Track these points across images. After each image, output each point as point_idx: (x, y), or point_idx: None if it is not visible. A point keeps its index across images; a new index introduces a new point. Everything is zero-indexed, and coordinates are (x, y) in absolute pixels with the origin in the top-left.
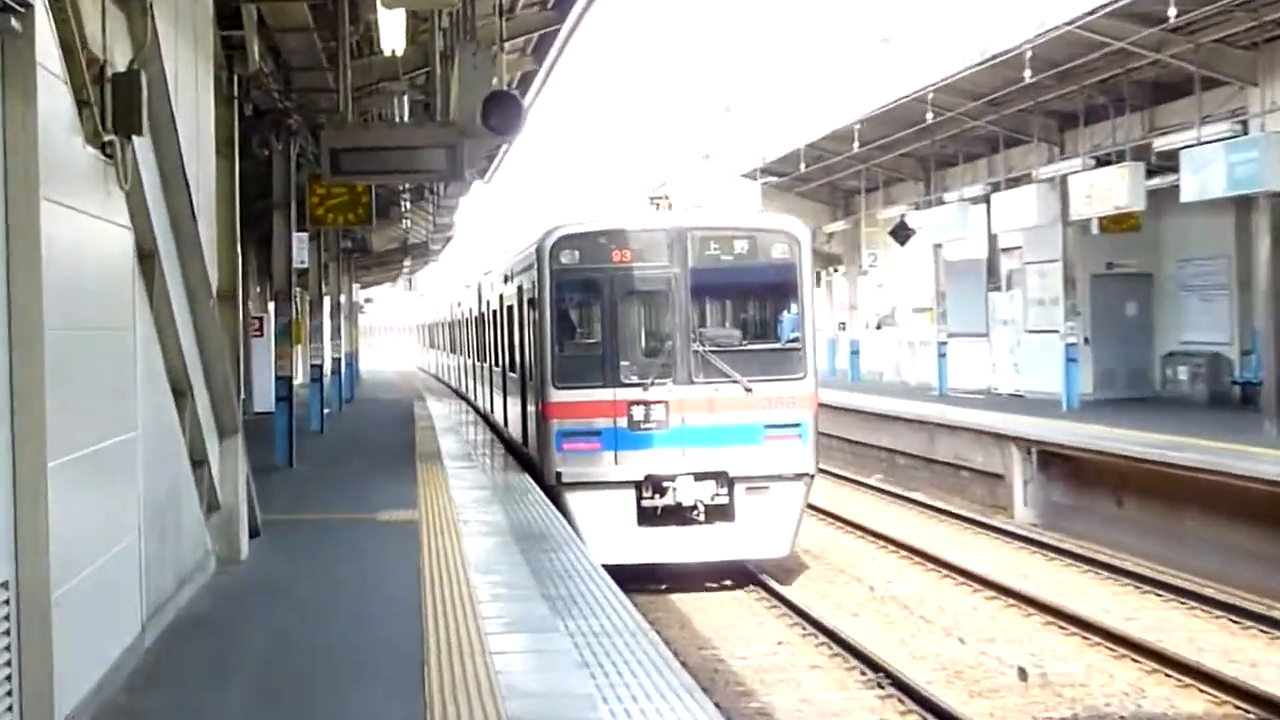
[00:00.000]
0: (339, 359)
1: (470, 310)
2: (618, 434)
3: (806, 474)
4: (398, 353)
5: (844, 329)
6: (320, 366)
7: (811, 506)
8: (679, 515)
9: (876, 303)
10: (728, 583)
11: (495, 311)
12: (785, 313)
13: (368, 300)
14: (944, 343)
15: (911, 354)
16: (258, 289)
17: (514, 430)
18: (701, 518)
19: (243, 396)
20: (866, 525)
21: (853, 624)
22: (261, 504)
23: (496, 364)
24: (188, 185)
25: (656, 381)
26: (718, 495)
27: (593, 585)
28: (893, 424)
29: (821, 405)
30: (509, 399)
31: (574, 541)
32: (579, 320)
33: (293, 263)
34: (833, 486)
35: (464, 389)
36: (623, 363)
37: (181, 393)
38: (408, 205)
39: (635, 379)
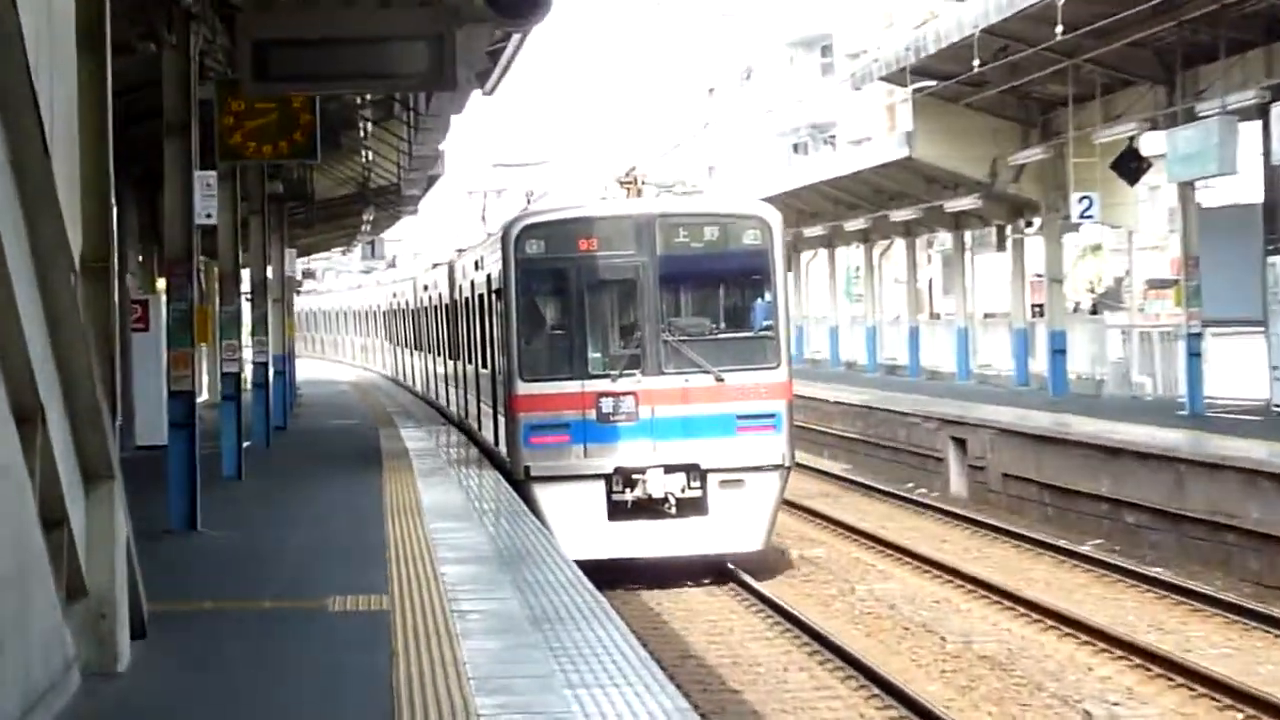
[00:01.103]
0: (265, 364)
1: (440, 296)
2: (586, 426)
3: (782, 465)
4: (355, 351)
5: (1040, 315)
6: (238, 376)
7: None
8: (650, 509)
9: (1091, 273)
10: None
11: (467, 300)
12: (758, 300)
13: (308, 274)
14: (1197, 334)
15: (1147, 350)
16: (140, 258)
17: (487, 433)
18: (673, 511)
19: (119, 422)
20: (1088, 626)
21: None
22: (151, 585)
23: (469, 361)
24: (35, 100)
25: (625, 372)
26: (689, 488)
27: None
28: (1119, 461)
29: (1007, 432)
30: (481, 398)
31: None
32: (545, 311)
33: (194, 218)
34: (1017, 557)
35: (438, 395)
36: (591, 354)
37: (25, 418)
38: (369, 129)
39: (604, 370)
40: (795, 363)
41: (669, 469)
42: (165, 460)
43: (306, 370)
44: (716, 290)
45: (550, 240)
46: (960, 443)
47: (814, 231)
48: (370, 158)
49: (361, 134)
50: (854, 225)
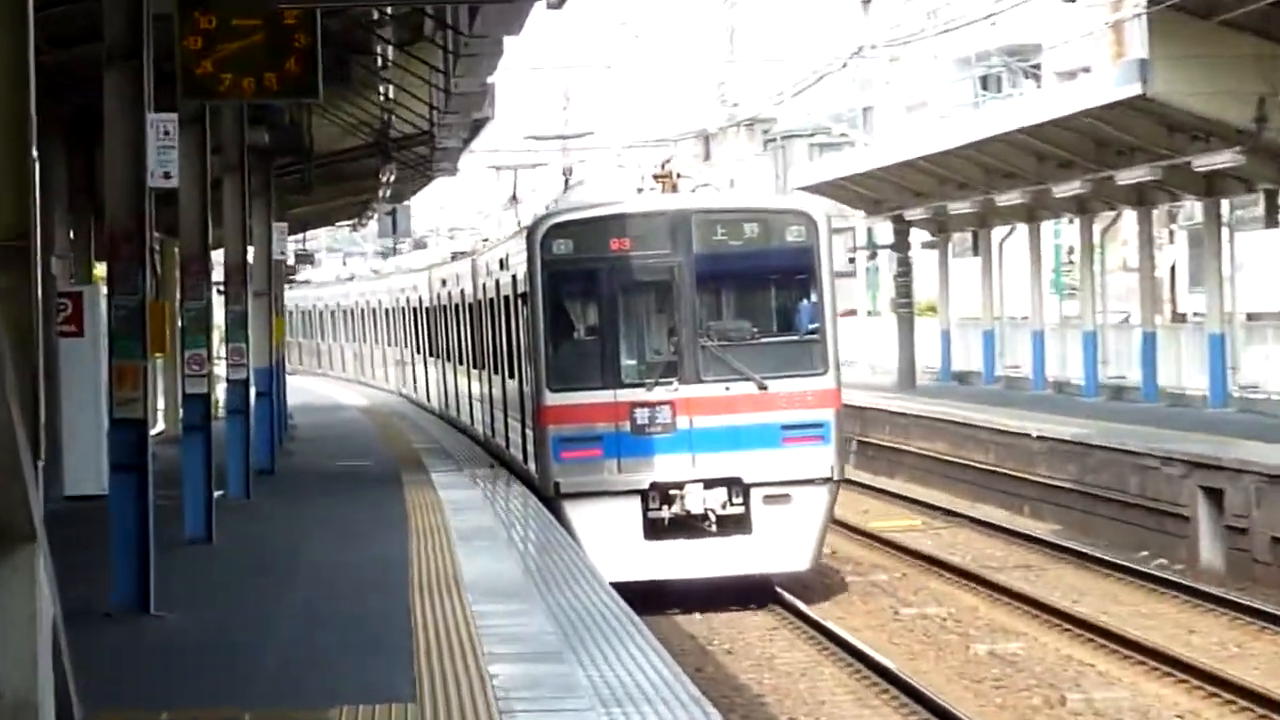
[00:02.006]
0: (245, 381)
1: (462, 295)
2: (620, 439)
3: (831, 479)
4: (366, 365)
5: None
6: (207, 399)
7: None
8: (689, 527)
9: None
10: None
11: (491, 301)
12: (803, 302)
13: (304, 259)
14: None
15: None
16: (71, 234)
17: (515, 449)
18: (714, 529)
19: (42, 463)
20: None
21: None
22: (87, 688)
23: (494, 370)
24: None
25: (661, 381)
26: (731, 504)
27: None
28: None
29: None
30: (508, 411)
31: None
32: (575, 316)
33: (146, 178)
34: None
35: (459, 411)
36: (624, 361)
37: None
38: (390, 56)
39: (638, 379)
40: (986, 382)
41: (709, 484)
42: (106, 516)
43: (303, 390)
44: (758, 291)
45: (579, 240)
46: (1214, 494)
47: (1009, 199)
48: (391, 95)
49: (380, 63)
50: (1065, 190)
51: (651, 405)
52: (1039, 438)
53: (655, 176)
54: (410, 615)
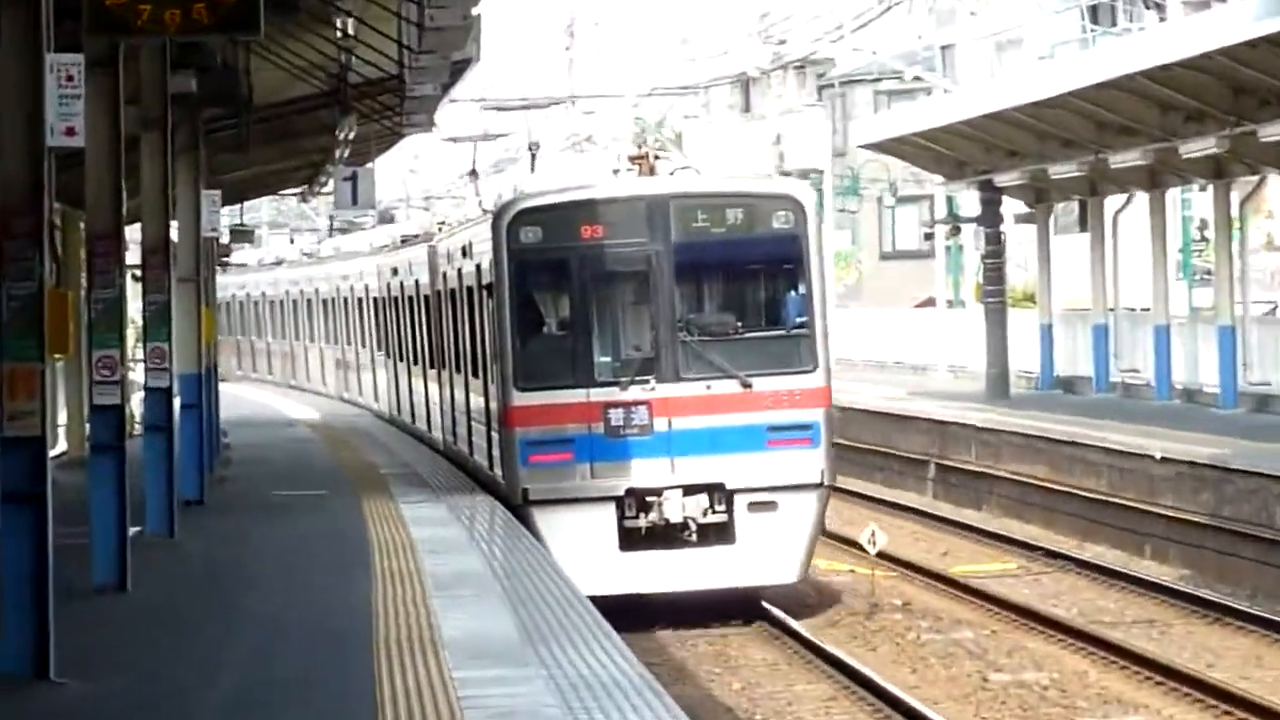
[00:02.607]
0: (168, 390)
1: (416, 286)
2: (593, 442)
3: (821, 484)
4: (307, 365)
5: None
6: (120, 412)
7: None
8: (668, 536)
9: None
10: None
11: (453, 292)
12: (790, 293)
13: (239, 235)
14: None
15: None
16: None
17: (479, 455)
18: (694, 538)
19: None
20: None
21: None
22: None
23: (456, 368)
24: None
25: (637, 379)
26: (713, 512)
27: None
28: None
29: None
30: (471, 413)
31: None
32: (544, 309)
33: (44, 135)
34: None
35: (413, 415)
36: (597, 358)
37: None
38: None
39: (612, 377)
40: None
41: (689, 490)
42: None
43: (237, 401)
44: (742, 282)
45: (549, 226)
46: None
47: (1125, 160)
48: (351, 31)
49: None
50: (1196, 149)
51: (627, 405)
52: (1164, 460)
53: (631, 158)
54: (375, 683)
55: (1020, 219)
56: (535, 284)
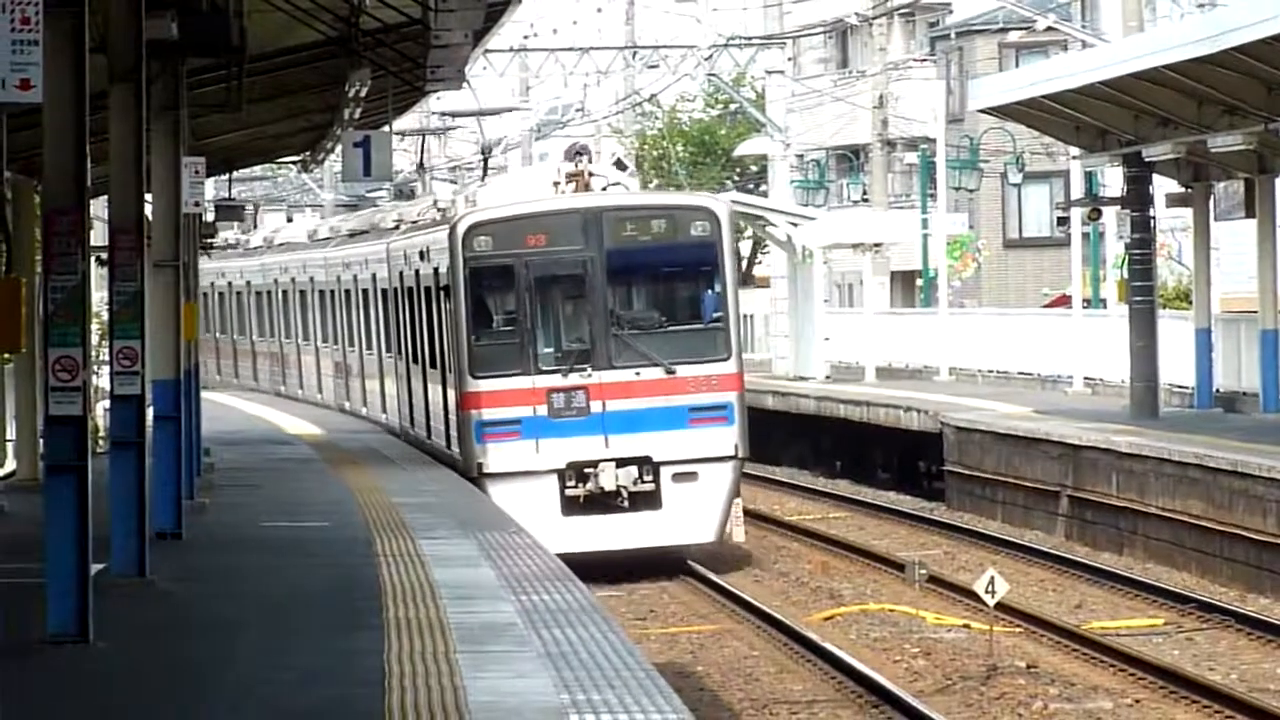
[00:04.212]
0: (139, 398)
1: (374, 281)
2: (538, 422)
3: (735, 456)
4: (253, 360)
5: None
6: (82, 424)
7: None
8: (603, 503)
9: None
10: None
11: (410, 290)
12: (707, 292)
13: (227, 207)
14: None
15: None
16: None
17: (438, 437)
18: (626, 505)
19: None
20: None
21: None
22: None
23: (414, 359)
24: None
25: (576, 367)
26: (642, 481)
27: None
28: None
29: None
30: (429, 399)
31: None
32: (495, 307)
33: None
34: None
35: (367, 403)
36: (541, 349)
37: None
38: None
39: (554, 365)
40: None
41: (621, 463)
42: None
43: (219, 410)
44: (666, 283)
45: (498, 236)
46: None
47: (1225, 142)
48: None
49: None
50: None
51: (567, 390)
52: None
53: (568, 175)
54: None
55: (1173, 201)
56: (487, 286)
